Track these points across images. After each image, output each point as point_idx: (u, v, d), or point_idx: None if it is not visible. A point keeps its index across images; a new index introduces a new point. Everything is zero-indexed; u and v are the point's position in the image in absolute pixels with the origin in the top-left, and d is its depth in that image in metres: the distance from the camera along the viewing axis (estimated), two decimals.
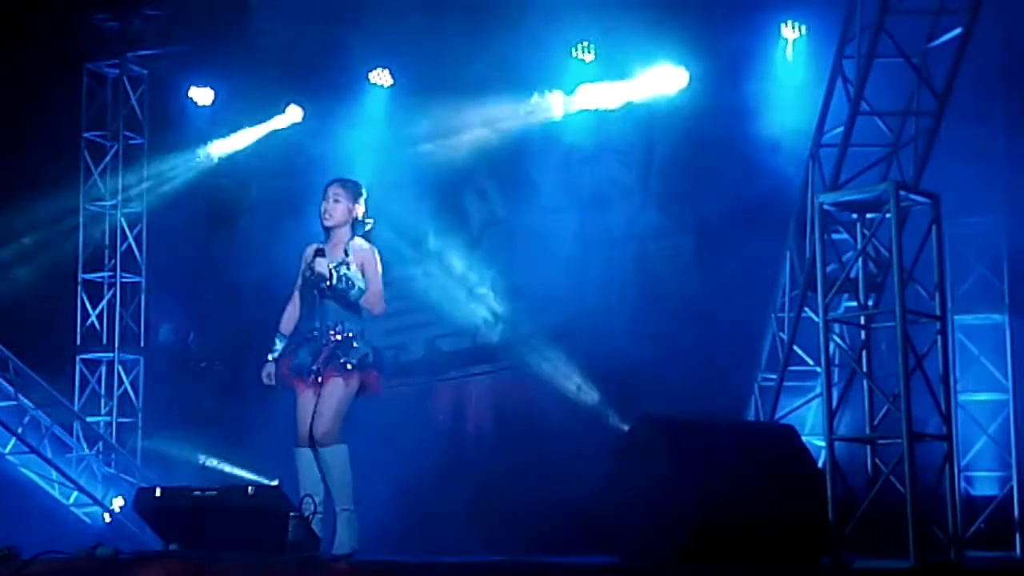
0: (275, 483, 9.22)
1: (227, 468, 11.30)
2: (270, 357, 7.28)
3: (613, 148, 10.92)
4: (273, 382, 7.27)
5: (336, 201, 7.20)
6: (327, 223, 7.20)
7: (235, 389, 11.37)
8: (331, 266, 7.03)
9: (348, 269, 7.05)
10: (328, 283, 7.01)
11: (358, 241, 7.23)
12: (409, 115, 11.58)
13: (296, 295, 7.31)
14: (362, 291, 7.08)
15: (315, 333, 7.13)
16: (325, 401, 7.05)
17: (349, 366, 7.04)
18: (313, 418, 7.07)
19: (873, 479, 7.59)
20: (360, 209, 7.26)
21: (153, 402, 12.08)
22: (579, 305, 11.12)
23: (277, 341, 7.27)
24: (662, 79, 10.62)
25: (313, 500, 7.27)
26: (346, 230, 7.22)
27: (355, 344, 7.09)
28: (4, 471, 11.02)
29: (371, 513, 7.94)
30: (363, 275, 7.11)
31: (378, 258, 7.23)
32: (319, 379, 7.08)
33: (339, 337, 7.09)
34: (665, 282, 10.79)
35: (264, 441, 11.21)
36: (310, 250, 7.24)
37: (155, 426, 11.97)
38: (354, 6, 10.65)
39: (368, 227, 7.31)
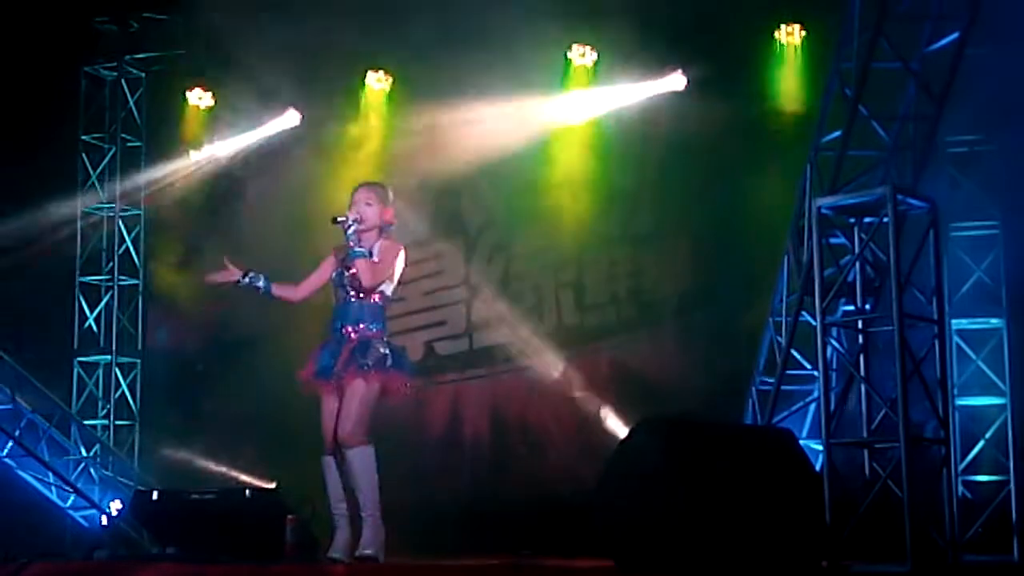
0: (272, 486, 9.24)
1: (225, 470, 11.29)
2: (244, 277, 7.13)
3: (611, 150, 10.91)
4: (215, 280, 7.17)
5: (368, 205, 7.13)
6: (359, 227, 7.07)
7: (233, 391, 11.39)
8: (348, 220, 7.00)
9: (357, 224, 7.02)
10: (341, 221, 6.97)
11: (385, 242, 7.17)
12: (407, 116, 11.58)
13: (308, 280, 7.24)
14: (368, 254, 7.02)
15: (337, 334, 7.06)
16: (347, 402, 6.95)
17: (366, 367, 6.95)
18: (337, 420, 6.98)
19: (871, 483, 7.59)
20: (389, 212, 7.21)
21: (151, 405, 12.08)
22: (577, 307, 11.16)
23: (261, 277, 7.16)
24: (660, 82, 10.63)
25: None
26: (374, 233, 7.15)
27: (373, 345, 7.02)
28: (2, 474, 11.01)
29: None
30: (378, 259, 7.07)
31: (402, 255, 7.18)
32: (340, 382, 6.99)
33: (356, 337, 7.02)
34: (662, 283, 10.80)
35: (263, 442, 11.25)
36: (335, 252, 7.18)
37: (153, 430, 11.96)
38: (353, 7, 10.65)
39: (393, 229, 7.26)
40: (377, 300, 7.10)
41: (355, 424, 6.94)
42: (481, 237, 11.70)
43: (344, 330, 7.05)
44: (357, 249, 6.99)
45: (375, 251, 7.09)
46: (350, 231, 6.99)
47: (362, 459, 6.99)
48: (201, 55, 11.71)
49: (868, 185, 8.05)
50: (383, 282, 7.10)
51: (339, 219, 7.03)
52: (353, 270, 7.02)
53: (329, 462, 7.05)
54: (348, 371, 6.96)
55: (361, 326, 7.04)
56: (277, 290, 7.22)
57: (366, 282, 6.99)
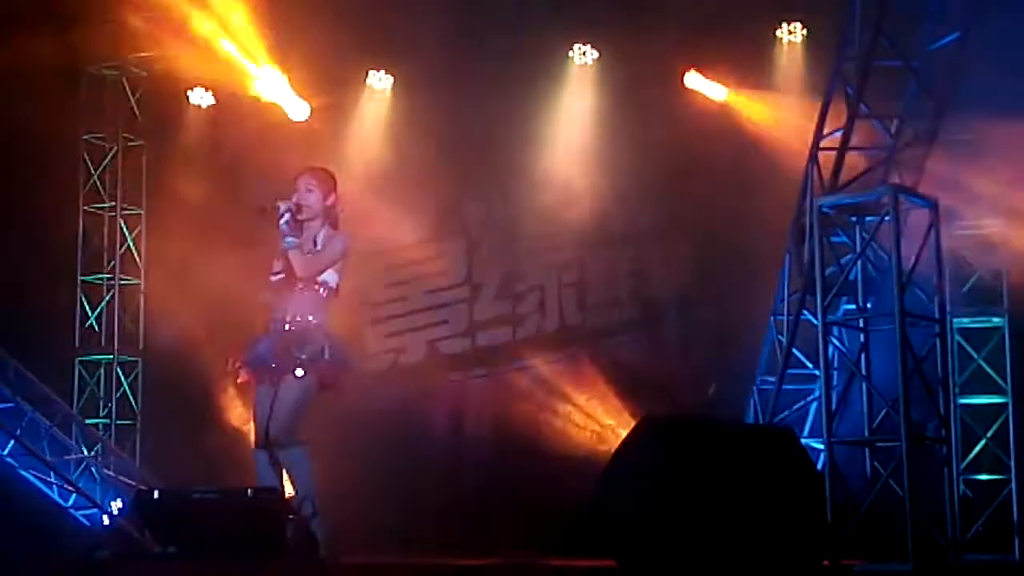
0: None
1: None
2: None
3: (612, 149, 10.91)
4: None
5: (309, 191, 6.87)
6: (300, 216, 6.83)
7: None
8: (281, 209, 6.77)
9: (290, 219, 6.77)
10: (274, 209, 6.75)
11: (329, 230, 6.91)
12: (408, 115, 11.57)
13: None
14: (295, 244, 6.76)
15: (277, 325, 6.82)
16: (280, 399, 6.71)
17: (301, 359, 6.71)
18: (269, 418, 6.75)
19: (872, 482, 7.59)
20: (332, 198, 6.94)
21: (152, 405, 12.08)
22: (579, 307, 11.16)
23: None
24: (661, 80, 10.63)
25: (313, 502, 7.19)
26: (318, 221, 6.91)
27: (310, 337, 6.77)
28: (3, 473, 11.01)
29: (371, 514, 7.93)
30: (321, 247, 6.83)
31: (346, 243, 6.91)
32: (275, 374, 6.76)
33: (295, 328, 6.77)
34: (663, 283, 10.80)
35: None
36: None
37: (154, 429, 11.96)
38: (353, 6, 10.64)
39: (341, 216, 7.00)
40: (318, 290, 6.85)
41: (287, 423, 6.71)
42: (483, 237, 11.70)
43: (283, 321, 6.82)
44: (288, 239, 6.75)
45: (319, 240, 6.85)
46: (282, 220, 6.76)
47: (294, 460, 6.77)
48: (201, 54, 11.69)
49: (869, 184, 8.05)
50: (321, 272, 6.85)
51: (270, 208, 6.79)
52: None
53: (259, 456, 6.87)
54: (283, 364, 6.74)
55: (299, 317, 6.80)
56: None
57: (300, 273, 6.74)
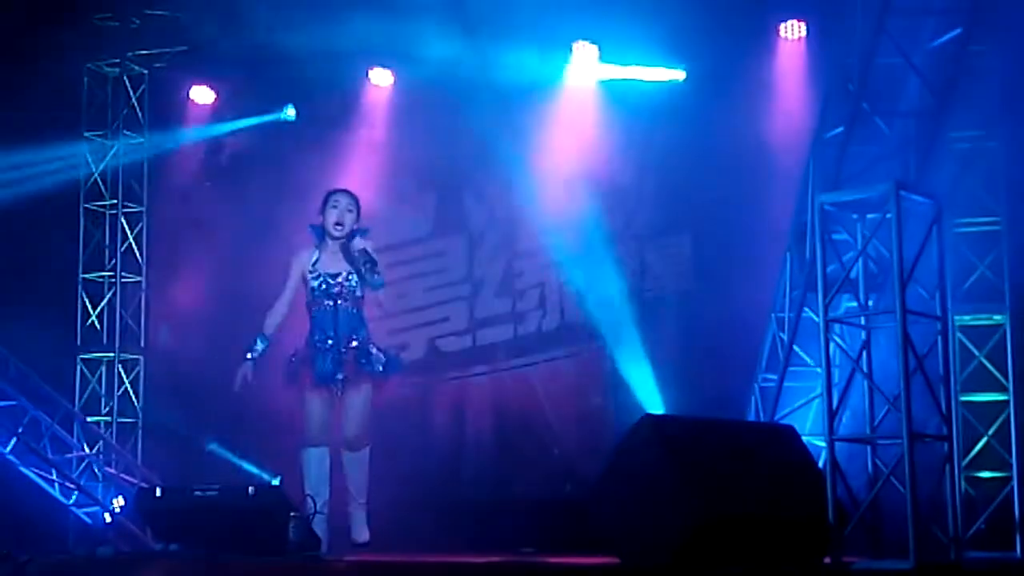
0: (276, 482, 9.25)
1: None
2: (249, 356, 7.35)
3: (611, 147, 10.91)
4: (248, 381, 7.44)
5: (349, 211, 7.38)
6: (337, 234, 7.33)
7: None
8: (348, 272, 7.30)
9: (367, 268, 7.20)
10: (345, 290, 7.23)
11: (358, 244, 7.29)
12: (408, 115, 11.57)
13: (285, 299, 7.38)
14: (382, 285, 7.36)
15: (329, 343, 7.27)
16: (356, 406, 7.31)
17: (377, 372, 7.31)
18: (343, 422, 7.33)
19: (873, 480, 7.59)
20: (360, 221, 7.50)
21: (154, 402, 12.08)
22: (580, 305, 11.15)
23: (258, 342, 7.36)
24: (661, 78, 10.63)
25: (314, 500, 7.27)
26: (345, 240, 7.38)
27: (373, 351, 7.32)
28: (4, 471, 11.01)
29: (370, 512, 7.94)
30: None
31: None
32: (343, 386, 7.28)
33: (356, 345, 7.29)
34: (663, 282, 10.80)
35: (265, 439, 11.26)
36: (306, 257, 7.27)
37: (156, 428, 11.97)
38: (355, 5, 10.65)
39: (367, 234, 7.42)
40: (362, 306, 7.39)
41: (364, 427, 7.34)
42: (484, 234, 11.70)
43: (339, 339, 7.29)
44: (378, 279, 7.31)
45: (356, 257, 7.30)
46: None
47: (366, 460, 7.39)
48: (203, 51, 11.71)
49: (871, 181, 8.03)
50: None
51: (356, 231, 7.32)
52: (340, 278, 7.28)
53: (313, 452, 7.35)
54: (357, 376, 7.26)
55: (357, 335, 7.35)
56: (268, 330, 7.50)
57: (388, 310, 7.54)
